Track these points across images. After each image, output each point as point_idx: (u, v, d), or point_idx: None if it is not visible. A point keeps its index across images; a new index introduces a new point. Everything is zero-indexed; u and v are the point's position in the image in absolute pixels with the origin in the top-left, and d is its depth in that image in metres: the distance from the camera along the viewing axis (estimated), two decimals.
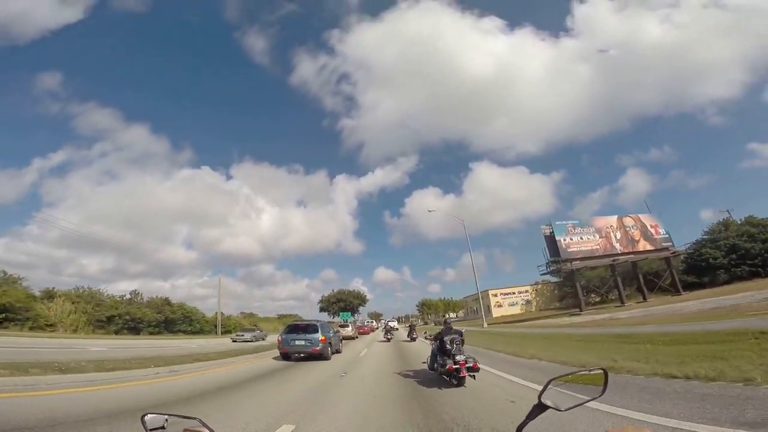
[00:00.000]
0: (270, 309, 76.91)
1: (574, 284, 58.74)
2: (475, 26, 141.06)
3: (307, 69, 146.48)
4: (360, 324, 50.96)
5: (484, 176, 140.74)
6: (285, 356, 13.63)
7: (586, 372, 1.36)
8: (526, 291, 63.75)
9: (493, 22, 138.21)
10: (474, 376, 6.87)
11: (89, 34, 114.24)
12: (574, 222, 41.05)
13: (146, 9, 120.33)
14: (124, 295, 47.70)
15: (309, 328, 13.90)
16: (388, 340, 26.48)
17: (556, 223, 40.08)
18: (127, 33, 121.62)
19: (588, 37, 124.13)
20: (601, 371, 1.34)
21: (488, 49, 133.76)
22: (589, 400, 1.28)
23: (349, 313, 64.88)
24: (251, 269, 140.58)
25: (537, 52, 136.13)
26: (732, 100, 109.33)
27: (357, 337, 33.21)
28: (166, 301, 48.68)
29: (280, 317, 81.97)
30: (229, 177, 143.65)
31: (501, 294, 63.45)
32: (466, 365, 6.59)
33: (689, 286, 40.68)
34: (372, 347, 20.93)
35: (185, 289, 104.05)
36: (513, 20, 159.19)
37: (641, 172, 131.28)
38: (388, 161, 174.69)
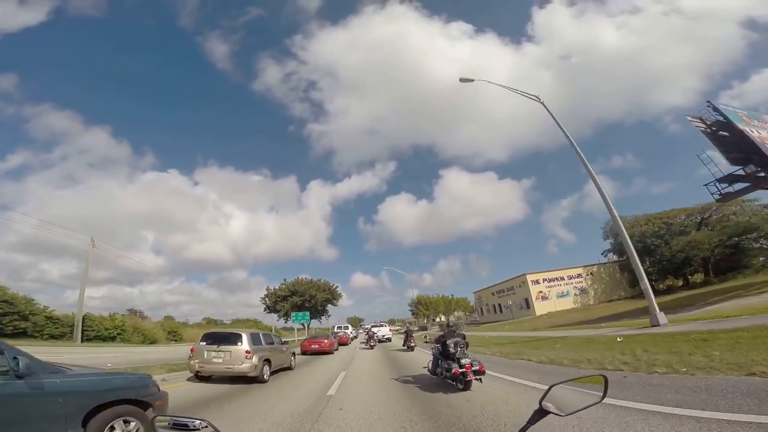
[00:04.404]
0: (245, 315, 63.54)
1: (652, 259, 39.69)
2: (443, 32, 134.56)
3: (271, 75, 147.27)
4: (320, 334, 25.67)
5: (455, 182, 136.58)
6: None
7: (587, 377, 1.34)
8: (579, 275, 43.29)
9: (460, 28, 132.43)
10: (480, 379, 6.62)
11: (48, 37, 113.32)
12: (744, 111, 21.03)
13: (106, 14, 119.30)
14: None
15: None
16: (371, 347, 22.81)
17: (722, 105, 19.92)
18: (85, 38, 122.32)
19: (548, 43, 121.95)
20: (602, 376, 1.32)
21: (455, 55, 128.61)
22: (590, 405, 1.23)
23: (307, 315, 41.34)
24: (223, 275, 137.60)
25: (501, 57, 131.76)
26: (688, 108, 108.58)
27: (263, 380, 9.33)
28: None
29: (234, 322, 64.62)
30: (195, 182, 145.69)
31: (545, 281, 42.49)
32: (473, 368, 6.38)
33: None
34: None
35: (155, 296, 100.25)
36: (479, 26, 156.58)
37: (605, 179, 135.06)
38: (360, 167, 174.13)
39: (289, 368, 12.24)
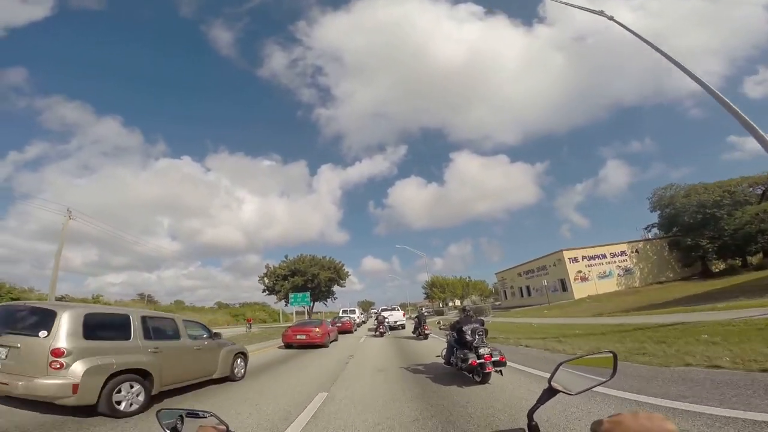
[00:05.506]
0: (258, 299, 60.58)
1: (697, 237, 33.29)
2: (450, 14, 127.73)
3: (277, 61, 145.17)
4: (311, 321, 17.68)
5: (465, 165, 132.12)
6: None
7: (596, 355, 1.24)
8: (622, 253, 37.20)
9: (468, 9, 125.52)
10: (501, 371, 5.89)
11: (53, 31, 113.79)
12: None
13: (108, 7, 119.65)
14: None
15: None
16: (381, 334, 19.02)
17: None
18: (89, 30, 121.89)
19: (561, 24, 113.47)
20: (611, 354, 1.21)
21: (462, 37, 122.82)
22: (599, 384, 1.16)
23: (307, 296, 36.98)
24: (237, 259, 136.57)
25: (511, 39, 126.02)
26: (700, 93, 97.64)
27: None
28: None
29: (243, 306, 63.62)
30: (207, 168, 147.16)
31: (584, 258, 36.60)
32: (492, 359, 5.71)
33: None
34: None
35: (172, 281, 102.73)
36: (489, 7, 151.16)
37: (622, 163, 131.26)
38: (370, 151, 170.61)
39: (229, 379, 7.39)
